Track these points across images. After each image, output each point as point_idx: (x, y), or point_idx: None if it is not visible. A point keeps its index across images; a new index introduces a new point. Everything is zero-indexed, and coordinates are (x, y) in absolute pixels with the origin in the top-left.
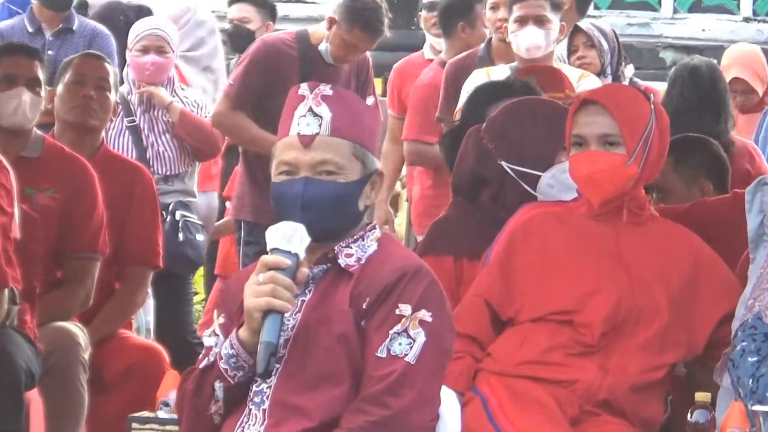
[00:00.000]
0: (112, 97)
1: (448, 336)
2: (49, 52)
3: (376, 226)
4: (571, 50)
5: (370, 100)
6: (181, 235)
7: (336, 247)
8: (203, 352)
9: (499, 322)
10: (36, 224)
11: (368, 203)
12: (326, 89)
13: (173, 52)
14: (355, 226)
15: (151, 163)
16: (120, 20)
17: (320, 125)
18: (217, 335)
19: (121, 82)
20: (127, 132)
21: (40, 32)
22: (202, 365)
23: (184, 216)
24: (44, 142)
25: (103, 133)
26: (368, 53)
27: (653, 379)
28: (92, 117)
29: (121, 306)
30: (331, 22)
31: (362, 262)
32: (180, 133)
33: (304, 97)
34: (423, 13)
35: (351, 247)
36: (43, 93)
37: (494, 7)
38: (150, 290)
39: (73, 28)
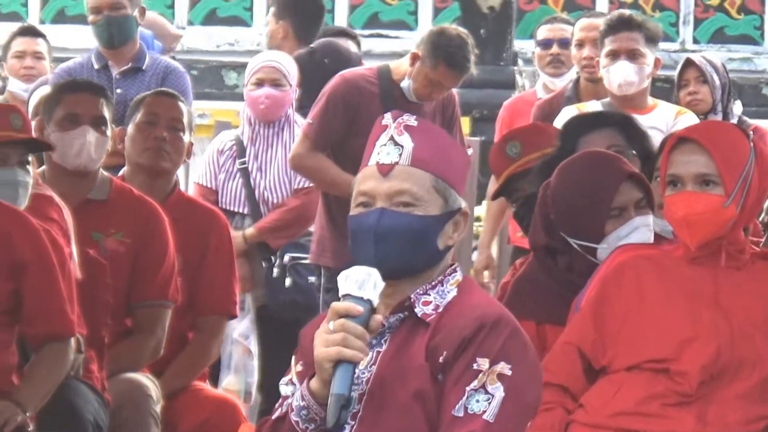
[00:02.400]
0: (186, 138)
1: (531, 390)
2: (118, 91)
3: (457, 270)
4: (681, 84)
5: (470, 151)
6: (288, 280)
7: (413, 295)
8: (279, 401)
9: (591, 371)
10: (104, 270)
11: (450, 243)
12: (410, 119)
13: (291, 86)
14: (433, 266)
15: (259, 206)
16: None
17: (400, 154)
18: (294, 384)
19: None
20: (238, 174)
21: (107, 69)
22: (275, 415)
23: (293, 258)
24: (112, 184)
25: (213, 176)
26: (454, 90)
27: (754, 430)
28: (165, 159)
29: (195, 357)
30: (415, 58)
31: (440, 310)
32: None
33: (386, 127)
34: (537, 51)
35: (429, 294)
36: (109, 132)
37: (580, 45)
38: (255, 348)
39: (143, 67)
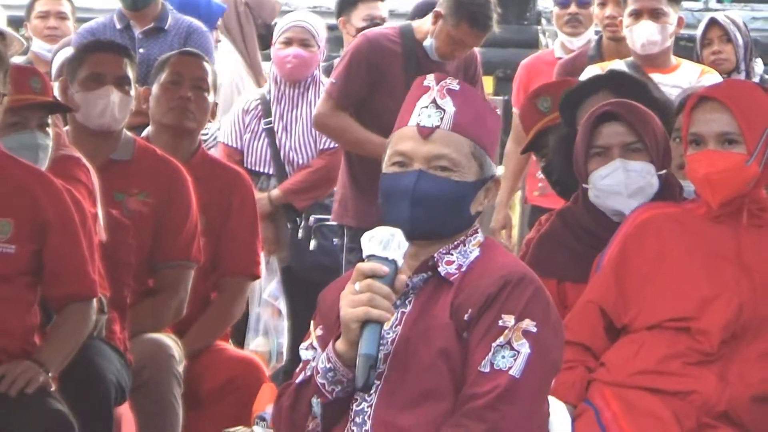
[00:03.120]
0: (210, 98)
1: (555, 347)
2: (141, 50)
3: (479, 230)
4: (703, 44)
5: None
6: (313, 242)
7: (436, 255)
8: (300, 366)
9: (613, 329)
10: (127, 230)
11: (480, 209)
12: (453, 83)
13: (319, 47)
14: (463, 231)
15: (284, 166)
16: None
17: (442, 118)
18: (315, 348)
19: None
20: (263, 135)
21: (129, 29)
22: (298, 380)
23: (318, 220)
24: (135, 144)
25: (239, 136)
26: (477, 49)
27: None
28: (189, 119)
29: (218, 317)
30: (437, 16)
31: (463, 269)
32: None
33: (428, 89)
34: (555, 10)
35: (452, 254)
36: (132, 92)
37: (602, 4)
38: (283, 310)
39: (165, 27)
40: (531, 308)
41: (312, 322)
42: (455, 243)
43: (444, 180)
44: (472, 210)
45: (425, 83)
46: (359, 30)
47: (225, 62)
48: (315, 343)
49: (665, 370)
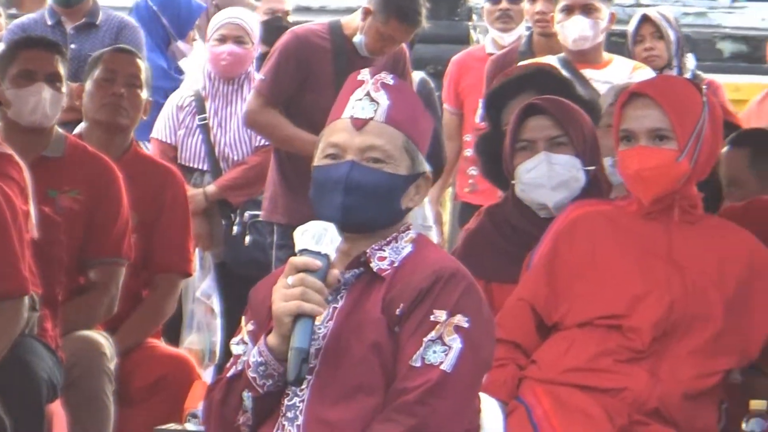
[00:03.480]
0: (144, 95)
1: (486, 343)
2: (72, 46)
3: (410, 227)
4: (636, 40)
5: None
6: (247, 238)
7: (368, 250)
8: (231, 360)
9: (544, 327)
10: (58, 227)
11: (411, 205)
12: (388, 78)
13: (253, 44)
14: (393, 224)
15: (219, 162)
16: None
17: (376, 111)
18: (246, 343)
19: None
20: (198, 131)
21: (60, 25)
22: (229, 374)
23: (253, 216)
24: (67, 141)
25: (173, 131)
26: (406, 45)
27: (706, 386)
28: (122, 116)
29: (150, 314)
30: (367, 12)
31: (395, 265)
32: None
33: (363, 82)
34: (487, 6)
35: (384, 250)
36: (64, 89)
37: (533, 0)
38: (216, 308)
39: (96, 23)
40: (463, 304)
41: (243, 317)
42: (387, 239)
43: (376, 171)
44: (404, 204)
45: (360, 77)
46: (262, 24)
47: (199, 61)
48: (246, 338)
49: (596, 368)
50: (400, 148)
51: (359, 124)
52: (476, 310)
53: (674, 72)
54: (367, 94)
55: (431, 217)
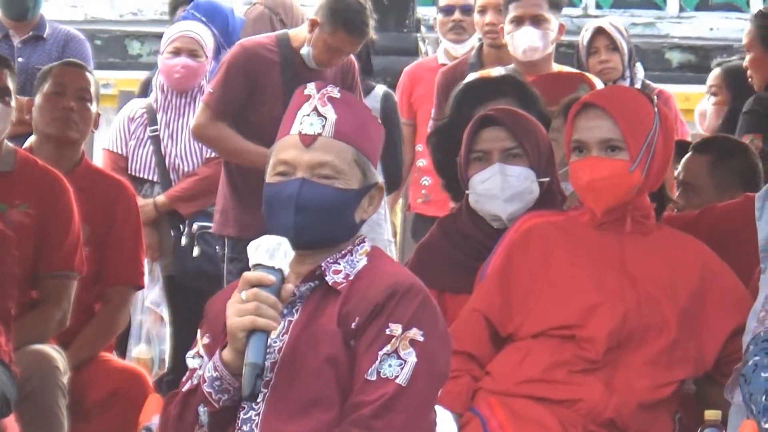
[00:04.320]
0: (93, 108)
1: (442, 356)
2: (20, 59)
3: (365, 240)
4: (590, 52)
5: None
6: (196, 249)
7: (323, 264)
8: (187, 374)
9: (498, 338)
10: (10, 242)
11: (365, 217)
12: (334, 91)
13: (207, 57)
14: (348, 239)
15: (169, 174)
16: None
17: (324, 126)
18: (202, 356)
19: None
20: (149, 142)
21: (8, 39)
22: (185, 388)
23: (202, 227)
24: (17, 155)
25: (123, 143)
26: (353, 56)
27: (661, 396)
28: (72, 129)
29: (102, 328)
30: (313, 24)
31: (351, 278)
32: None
33: (309, 97)
34: (439, 17)
35: (339, 263)
36: (13, 103)
37: (482, 11)
38: (165, 317)
39: (44, 35)
40: (418, 317)
41: (199, 331)
42: (342, 252)
43: (327, 188)
44: (357, 218)
45: (306, 92)
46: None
47: None
48: (202, 351)
49: (551, 379)
50: (350, 162)
51: (308, 141)
52: (432, 323)
53: (626, 83)
54: (315, 109)
55: (391, 231)
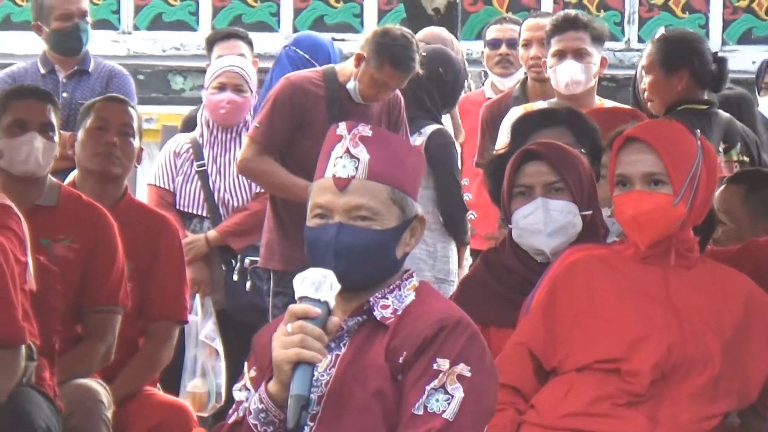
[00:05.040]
0: (136, 143)
1: (489, 392)
2: (64, 95)
3: (414, 275)
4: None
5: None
6: (248, 284)
7: (371, 299)
8: (233, 406)
9: (542, 371)
10: (54, 276)
11: (407, 250)
12: (365, 129)
13: (252, 92)
14: (392, 275)
15: (218, 209)
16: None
17: (356, 168)
18: (248, 389)
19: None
20: (196, 177)
21: (54, 74)
22: (231, 420)
23: (253, 262)
24: (60, 190)
25: (170, 178)
26: (400, 92)
27: (705, 429)
28: (115, 165)
29: (146, 362)
30: (359, 59)
31: (398, 313)
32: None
33: (341, 137)
34: (486, 51)
35: (387, 298)
36: (56, 138)
37: (527, 45)
38: (220, 350)
39: (89, 70)
40: (466, 353)
41: (246, 363)
42: (390, 287)
43: (364, 230)
44: (399, 253)
45: (338, 131)
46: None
47: None
48: (248, 384)
49: (595, 412)
50: (386, 201)
51: (341, 185)
52: (479, 359)
53: None
54: (347, 150)
55: (456, 272)
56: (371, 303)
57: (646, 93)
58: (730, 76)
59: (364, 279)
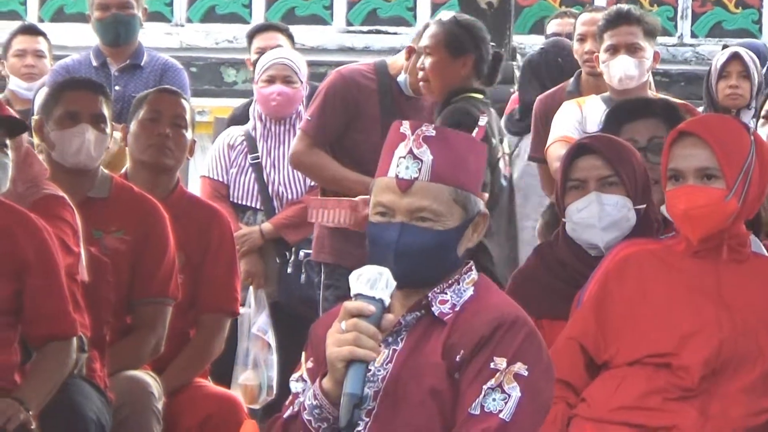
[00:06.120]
0: (189, 135)
1: (546, 390)
2: (117, 88)
3: (473, 268)
4: (721, 75)
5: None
6: (302, 276)
7: (430, 294)
8: (290, 398)
9: (593, 365)
10: (106, 268)
11: (470, 245)
12: (429, 130)
13: (302, 83)
14: (452, 272)
15: (272, 201)
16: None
17: (420, 169)
18: (305, 380)
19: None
20: (250, 169)
21: (106, 67)
22: (286, 414)
23: (307, 254)
24: (112, 182)
25: (224, 170)
26: None
27: (757, 424)
28: (168, 156)
29: (197, 354)
30: (410, 51)
31: (457, 309)
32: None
33: (405, 137)
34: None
35: (446, 293)
36: (108, 129)
37: (581, 39)
38: (272, 343)
39: (141, 64)
40: (523, 351)
41: (303, 354)
42: (449, 282)
43: (426, 231)
44: (460, 251)
45: (401, 130)
46: (252, 63)
47: None
48: (305, 375)
49: (645, 406)
50: (448, 202)
51: (404, 186)
52: (536, 357)
53: (751, 113)
54: (410, 151)
55: None
56: (430, 299)
57: (421, 73)
58: None
59: (424, 278)
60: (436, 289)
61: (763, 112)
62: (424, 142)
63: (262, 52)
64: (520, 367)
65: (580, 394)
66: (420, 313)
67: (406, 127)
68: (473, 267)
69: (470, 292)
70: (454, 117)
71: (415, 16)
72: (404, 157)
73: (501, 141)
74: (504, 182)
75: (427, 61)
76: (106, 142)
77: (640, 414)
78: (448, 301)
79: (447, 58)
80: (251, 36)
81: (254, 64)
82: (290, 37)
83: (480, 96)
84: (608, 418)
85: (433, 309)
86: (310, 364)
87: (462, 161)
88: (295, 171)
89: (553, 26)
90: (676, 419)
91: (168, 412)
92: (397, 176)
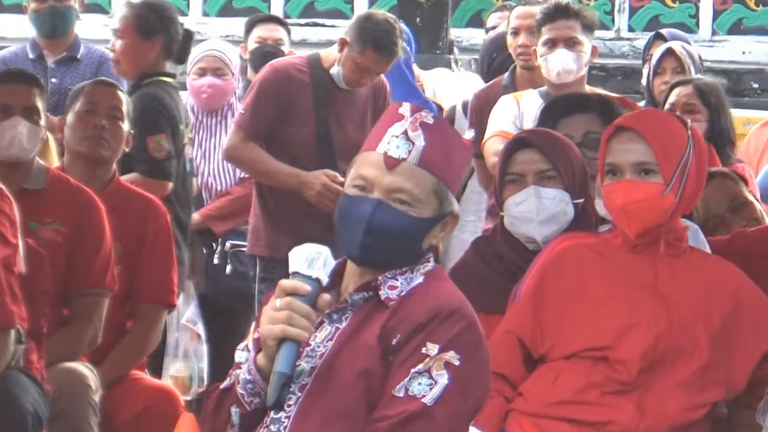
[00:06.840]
0: (125, 127)
1: (478, 386)
2: (53, 80)
3: (431, 260)
4: (656, 71)
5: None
6: (228, 267)
7: (380, 277)
8: (233, 367)
9: (531, 359)
10: (42, 259)
11: (434, 242)
12: (428, 116)
13: (233, 75)
14: (411, 263)
15: (201, 192)
16: None
17: (410, 151)
18: (249, 350)
19: None
20: None
21: (42, 59)
22: (223, 385)
23: (234, 246)
24: (48, 174)
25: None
26: (385, 77)
27: (693, 419)
28: (104, 148)
29: (134, 346)
30: (343, 43)
31: (402, 294)
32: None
33: (402, 117)
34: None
35: (397, 279)
36: (42, 122)
37: (515, 33)
38: (202, 334)
39: (78, 56)
40: (458, 342)
41: (253, 324)
42: (403, 270)
43: (401, 213)
44: (425, 244)
45: (400, 111)
46: (251, 52)
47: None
48: (250, 345)
49: (583, 400)
50: (428, 191)
51: (391, 164)
52: (472, 350)
53: None
54: (405, 132)
55: None
56: (380, 281)
57: (113, 54)
58: (719, 66)
59: (385, 260)
60: (388, 273)
61: (667, 106)
62: (420, 127)
63: (262, 41)
64: (451, 356)
65: (517, 387)
66: (368, 294)
67: (405, 108)
68: (431, 260)
69: (419, 280)
70: (144, 101)
71: (352, 9)
72: (397, 137)
73: (187, 126)
74: (189, 168)
75: (118, 43)
76: (40, 134)
77: (576, 409)
78: (397, 287)
79: (137, 41)
80: (251, 25)
81: (252, 53)
82: (289, 33)
83: (170, 80)
84: (545, 412)
85: (381, 292)
86: (256, 335)
87: (450, 156)
88: (225, 163)
89: (493, 19)
90: (613, 414)
91: (105, 404)
92: (385, 153)
